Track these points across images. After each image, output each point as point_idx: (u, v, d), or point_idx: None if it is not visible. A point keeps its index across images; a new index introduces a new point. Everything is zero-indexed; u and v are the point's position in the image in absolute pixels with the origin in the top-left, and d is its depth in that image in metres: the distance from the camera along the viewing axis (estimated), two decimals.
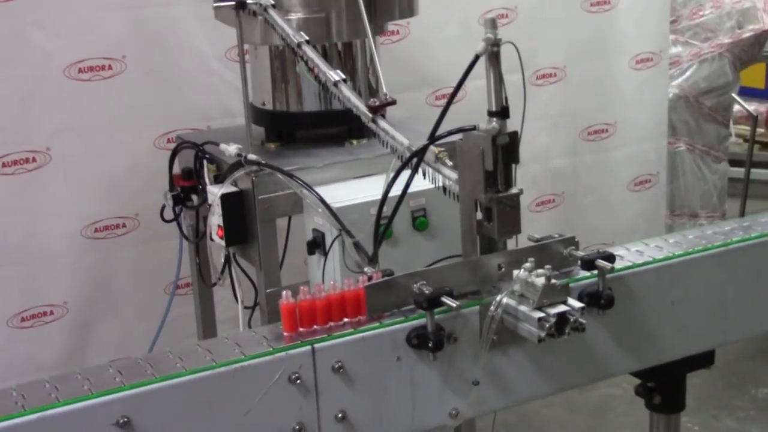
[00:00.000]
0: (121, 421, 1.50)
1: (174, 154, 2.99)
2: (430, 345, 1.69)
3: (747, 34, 5.07)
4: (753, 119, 5.60)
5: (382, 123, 2.39)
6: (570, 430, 3.97)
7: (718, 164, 5.19)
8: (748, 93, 6.38)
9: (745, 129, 6.37)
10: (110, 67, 3.26)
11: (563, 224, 4.27)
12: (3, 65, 3.12)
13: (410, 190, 2.11)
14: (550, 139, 4.29)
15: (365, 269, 1.81)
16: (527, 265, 1.73)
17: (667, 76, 4.70)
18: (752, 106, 5.84)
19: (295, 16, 2.73)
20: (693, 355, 2.04)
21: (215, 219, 2.69)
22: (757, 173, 5.95)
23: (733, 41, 5.05)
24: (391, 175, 2.10)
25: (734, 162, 5.64)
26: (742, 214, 5.23)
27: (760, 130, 5.99)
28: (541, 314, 1.67)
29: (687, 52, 5.06)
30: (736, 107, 5.57)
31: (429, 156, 2.08)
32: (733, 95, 5.23)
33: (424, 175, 2.12)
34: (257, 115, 2.95)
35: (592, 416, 4.05)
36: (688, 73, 5.04)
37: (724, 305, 2.03)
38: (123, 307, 3.44)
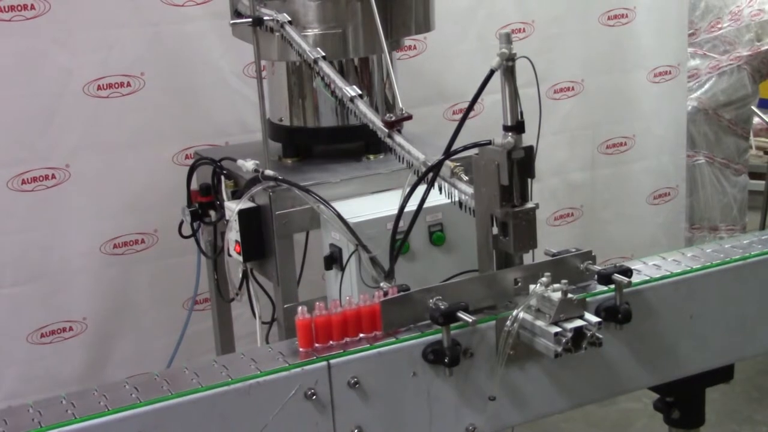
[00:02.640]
0: None
1: (192, 170, 3.00)
2: (446, 360, 1.69)
3: (766, 47, 5.04)
4: None
5: (398, 138, 2.39)
6: None
7: (738, 177, 5.16)
8: (767, 105, 6.35)
9: (765, 141, 6.34)
10: (129, 84, 3.28)
11: (582, 238, 4.25)
12: (22, 83, 3.15)
13: (427, 204, 2.11)
14: (568, 153, 4.28)
15: (381, 284, 1.81)
16: (543, 279, 1.73)
17: (686, 89, 4.68)
18: None
19: (311, 32, 2.74)
20: (712, 369, 2.03)
21: (233, 234, 2.70)
22: None
23: (751, 54, 5.03)
24: (407, 189, 2.10)
25: (754, 175, 5.61)
26: (763, 227, 5.20)
27: None
28: (558, 329, 1.67)
29: (705, 65, 5.04)
30: (756, 119, 5.54)
31: (445, 171, 2.08)
32: (753, 107, 5.20)
33: (440, 190, 2.12)
34: (274, 130, 2.96)
35: (612, 431, 4.02)
36: (706, 86, 5.02)
37: (743, 319, 2.02)
38: (142, 322, 3.46)
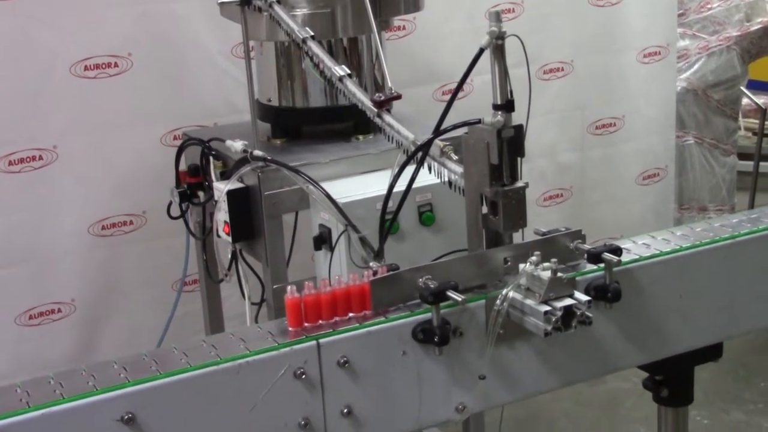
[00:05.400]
0: (126, 417, 1.50)
1: (180, 150, 2.99)
2: (435, 339, 1.68)
3: (755, 27, 5.05)
4: (762, 112, 5.58)
5: (387, 118, 2.38)
6: (579, 424, 3.97)
7: (727, 157, 5.17)
8: (756, 86, 6.35)
9: (753, 122, 6.35)
10: (116, 65, 3.26)
11: (571, 219, 4.26)
12: (9, 64, 3.13)
13: (416, 185, 2.11)
14: (557, 134, 4.28)
15: (370, 264, 1.81)
16: (533, 258, 1.72)
17: (675, 70, 4.68)
18: (761, 99, 5.82)
19: (300, 12, 2.72)
20: (701, 348, 2.03)
21: (221, 215, 2.69)
22: (766, 166, 5.92)
23: (741, 34, 5.03)
24: (396, 169, 2.10)
25: (743, 155, 5.62)
26: (752, 207, 5.20)
27: None
28: (548, 308, 1.67)
29: (695, 46, 5.04)
30: (745, 100, 5.55)
31: (434, 150, 2.07)
32: (742, 88, 5.21)
33: (429, 169, 2.11)
34: (263, 111, 2.95)
35: (602, 410, 4.04)
36: (696, 67, 5.03)
37: (732, 298, 2.02)
38: (131, 304, 3.45)
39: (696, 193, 5.13)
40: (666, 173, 4.64)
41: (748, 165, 5.59)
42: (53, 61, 3.17)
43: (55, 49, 3.17)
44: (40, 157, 3.20)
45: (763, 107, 5.62)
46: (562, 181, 4.34)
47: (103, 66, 3.24)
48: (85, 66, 3.21)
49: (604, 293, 1.81)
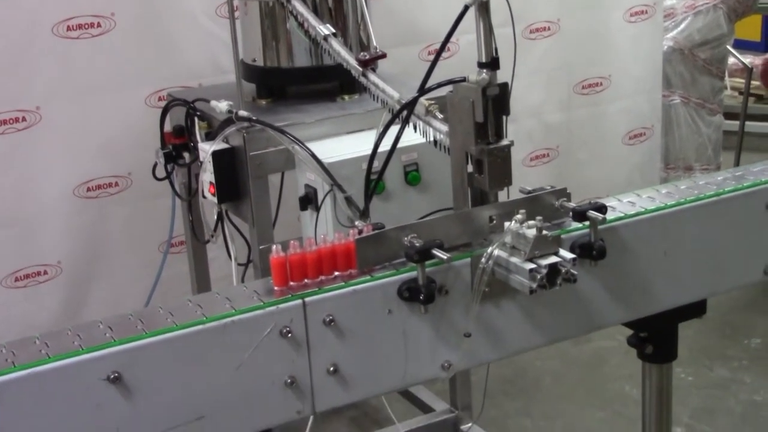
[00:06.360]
0: (112, 376, 1.50)
1: (165, 111, 2.98)
2: (421, 297, 1.68)
3: None
4: (748, 72, 5.58)
5: (372, 77, 2.37)
6: (565, 382, 4.00)
7: (713, 117, 5.17)
8: (743, 45, 6.36)
9: (740, 82, 6.35)
10: (99, 25, 3.23)
11: (558, 178, 4.26)
12: None
13: (402, 144, 2.10)
14: (544, 94, 4.27)
15: (356, 223, 1.81)
16: (518, 216, 1.72)
17: (662, 29, 4.67)
18: (747, 59, 5.83)
19: None
20: (685, 304, 2.04)
21: (207, 176, 2.68)
22: (751, 126, 5.94)
23: None
24: (381, 128, 2.09)
25: (729, 115, 5.62)
26: (737, 166, 5.22)
27: (755, 83, 5.98)
28: (533, 265, 1.67)
29: (681, 4, 5.02)
30: (731, 60, 5.54)
31: (419, 109, 2.07)
32: (728, 47, 5.20)
33: (414, 128, 2.11)
34: (248, 71, 2.93)
35: (587, 368, 4.08)
36: (682, 26, 5.01)
37: (717, 255, 2.03)
38: (117, 266, 3.44)
39: (682, 153, 5.13)
40: (652, 133, 4.65)
41: (734, 124, 5.60)
42: (35, 21, 3.14)
43: (36, 9, 3.13)
44: (24, 119, 3.18)
45: (750, 66, 5.62)
46: (549, 141, 4.34)
47: (86, 26, 3.21)
48: (68, 26, 3.18)
49: (589, 251, 1.82)
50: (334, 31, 2.51)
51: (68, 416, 1.49)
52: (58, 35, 3.17)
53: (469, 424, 3.44)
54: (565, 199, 1.88)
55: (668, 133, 5.06)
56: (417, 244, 1.69)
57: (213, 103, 2.67)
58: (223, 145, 2.66)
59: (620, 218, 1.90)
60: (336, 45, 2.50)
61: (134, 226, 3.43)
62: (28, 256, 3.30)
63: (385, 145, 2.09)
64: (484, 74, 1.79)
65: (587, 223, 1.82)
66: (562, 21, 4.21)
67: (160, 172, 3.00)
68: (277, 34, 2.87)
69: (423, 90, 2.00)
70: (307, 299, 1.64)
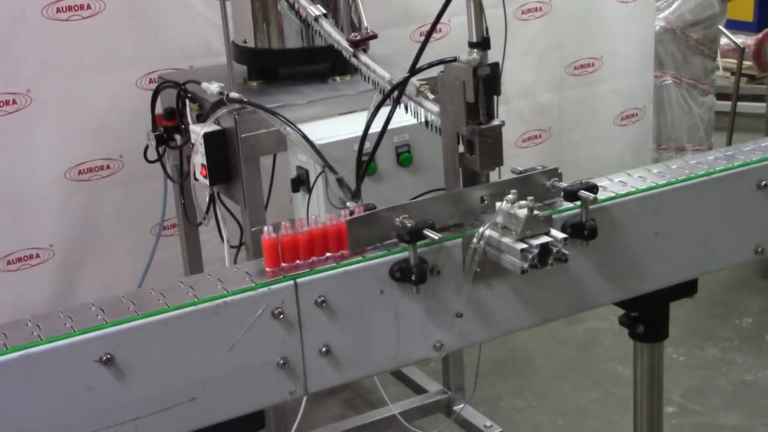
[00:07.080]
0: (104, 358, 1.50)
1: (156, 93, 2.97)
2: (413, 278, 1.68)
3: None
4: (740, 52, 5.58)
5: (363, 57, 2.37)
6: (557, 363, 4.01)
7: (705, 97, 5.17)
8: (735, 26, 6.35)
9: (732, 62, 6.34)
10: (89, 7, 3.21)
11: (550, 159, 4.26)
12: None
13: (394, 125, 2.10)
14: (536, 74, 4.26)
15: (348, 204, 1.81)
16: (510, 196, 1.72)
17: (654, 9, 4.67)
18: (739, 39, 5.82)
19: None
20: (676, 284, 2.05)
21: (198, 158, 2.68)
22: (743, 106, 5.94)
23: None
24: (373, 109, 2.09)
25: (721, 95, 5.63)
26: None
27: (747, 63, 5.96)
28: (524, 245, 1.67)
29: None
30: (724, 40, 5.54)
31: (410, 89, 2.06)
32: (720, 27, 5.20)
33: (406, 109, 2.10)
34: (239, 53, 2.92)
35: (579, 349, 4.09)
36: (674, 6, 5.00)
37: (707, 234, 2.03)
38: (109, 248, 3.44)
39: (674, 133, 5.14)
40: (644, 113, 4.65)
41: (726, 105, 5.60)
42: (24, 3, 3.12)
43: None
44: (14, 102, 3.16)
45: (742, 47, 5.62)
46: (541, 122, 4.34)
47: (76, 8, 3.19)
48: (57, 8, 3.16)
49: (580, 231, 1.82)
50: (324, 11, 2.51)
51: (60, 398, 1.50)
52: (47, 17, 3.15)
53: (462, 405, 3.45)
54: (556, 179, 1.88)
55: (660, 114, 5.06)
56: (408, 225, 1.69)
57: (204, 85, 2.67)
58: (215, 127, 2.65)
59: (611, 198, 1.91)
60: (327, 26, 2.49)
61: (126, 209, 3.42)
62: (20, 240, 3.29)
63: (377, 126, 2.08)
64: (475, 54, 1.79)
65: (578, 203, 1.82)
66: (554, 1, 4.20)
67: (152, 154, 2.99)
68: (268, 15, 2.86)
69: (414, 70, 1.99)
70: (299, 280, 1.64)
